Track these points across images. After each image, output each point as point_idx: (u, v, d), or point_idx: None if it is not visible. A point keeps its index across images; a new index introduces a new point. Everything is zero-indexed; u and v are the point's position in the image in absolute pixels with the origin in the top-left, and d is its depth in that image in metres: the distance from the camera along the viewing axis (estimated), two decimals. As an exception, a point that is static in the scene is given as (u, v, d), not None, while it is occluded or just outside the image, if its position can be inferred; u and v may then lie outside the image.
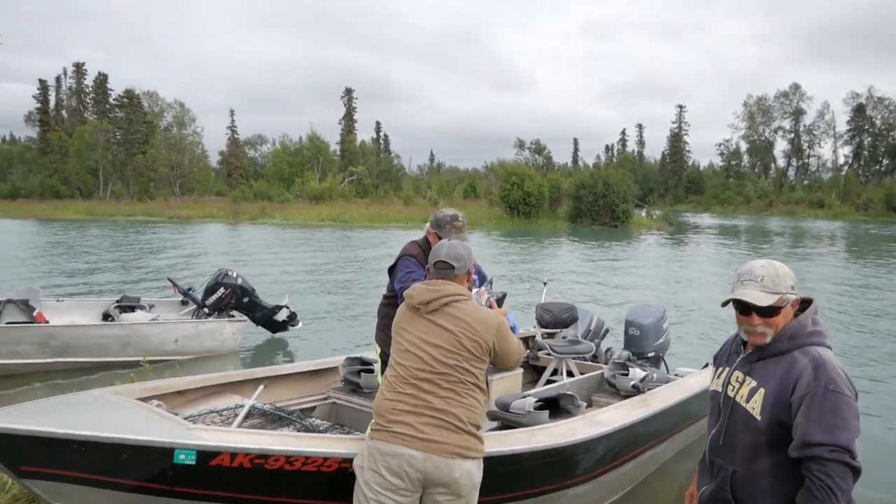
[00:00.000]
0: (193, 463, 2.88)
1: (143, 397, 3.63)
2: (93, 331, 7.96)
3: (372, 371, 5.09)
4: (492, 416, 4.57)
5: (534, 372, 6.78)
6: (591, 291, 15.67)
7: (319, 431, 3.87)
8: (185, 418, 3.91)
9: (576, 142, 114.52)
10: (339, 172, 70.19)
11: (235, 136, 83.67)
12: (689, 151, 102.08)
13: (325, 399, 5.20)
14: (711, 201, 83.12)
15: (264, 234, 33.58)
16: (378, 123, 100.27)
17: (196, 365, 8.05)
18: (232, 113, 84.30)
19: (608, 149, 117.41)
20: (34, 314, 7.85)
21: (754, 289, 2.26)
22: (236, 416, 4.02)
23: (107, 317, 8.93)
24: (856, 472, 2.07)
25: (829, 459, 2.03)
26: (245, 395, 4.54)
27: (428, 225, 4.36)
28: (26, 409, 3.03)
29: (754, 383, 2.27)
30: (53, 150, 67.31)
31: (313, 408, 5.07)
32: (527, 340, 7.06)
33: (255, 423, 4.01)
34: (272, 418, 4.13)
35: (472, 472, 2.82)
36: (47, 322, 7.97)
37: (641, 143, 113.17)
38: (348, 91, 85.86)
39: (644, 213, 50.53)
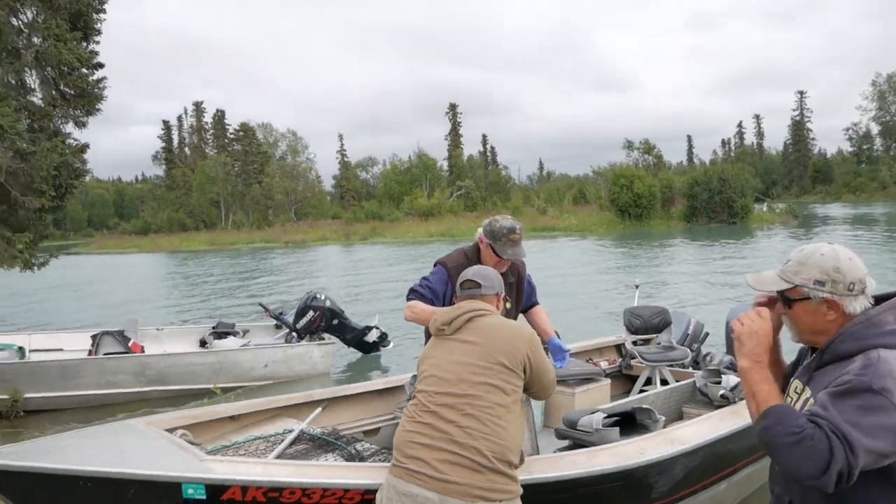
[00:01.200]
0: (204, 498, 2.71)
1: (177, 426, 3.53)
2: (185, 358, 8.15)
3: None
4: (559, 435, 4.22)
5: (626, 382, 6.32)
6: (703, 291, 14.76)
7: (362, 458, 3.64)
8: (229, 446, 3.81)
9: (689, 139, 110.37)
10: (447, 188, 70.79)
11: (345, 159, 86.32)
12: (813, 139, 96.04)
13: (392, 419, 4.98)
14: (842, 190, 77.55)
15: (373, 254, 34.18)
16: (484, 136, 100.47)
17: (282, 388, 8.07)
18: (341, 137, 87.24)
19: (725, 143, 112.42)
20: (130, 344, 8.14)
21: (773, 271, 1.92)
22: (282, 441, 3.87)
23: (203, 343, 9.16)
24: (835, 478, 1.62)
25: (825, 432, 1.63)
26: (304, 418, 4.39)
27: (480, 231, 4.00)
28: (45, 443, 2.98)
29: (808, 394, 1.84)
30: (178, 186, 72.11)
31: (378, 429, 4.86)
32: (618, 348, 6.62)
33: (300, 450, 3.84)
34: (319, 444, 3.94)
35: None
36: (143, 351, 8.25)
37: (760, 134, 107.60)
38: (452, 107, 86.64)
39: (765, 208, 47.70)
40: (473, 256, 3.89)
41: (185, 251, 46.16)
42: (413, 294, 3.88)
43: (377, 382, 5.25)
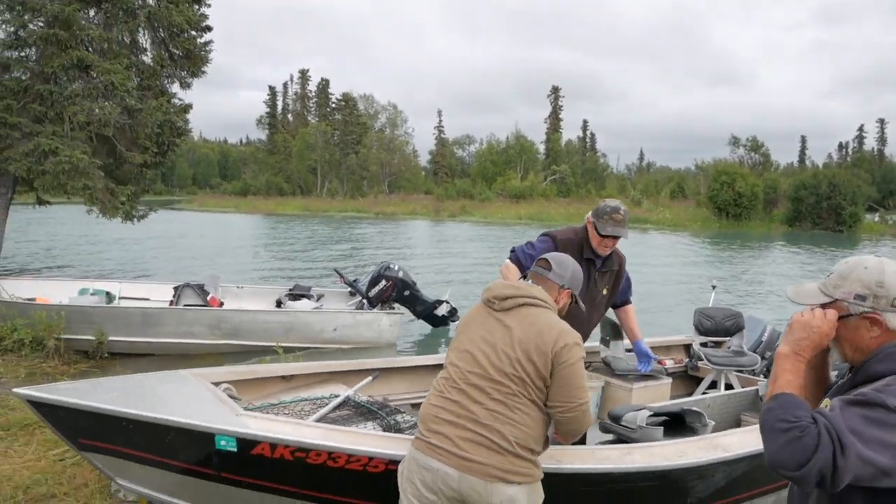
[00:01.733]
0: (235, 450, 2.81)
1: (223, 381, 3.66)
2: (259, 316, 8.45)
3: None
4: (603, 428, 4.14)
5: (691, 383, 6.14)
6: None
7: (399, 430, 3.68)
8: (276, 404, 3.93)
9: (803, 139, 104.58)
10: (542, 171, 70.09)
11: (442, 135, 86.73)
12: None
13: (442, 395, 5.01)
14: (969, 204, 71.87)
15: (460, 232, 34.32)
16: (585, 122, 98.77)
17: (350, 354, 8.26)
18: (440, 113, 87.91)
19: (842, 147, 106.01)
20: (208, 298, 8.50)
21: (815, 284, 1.82)
22: (327, 404, 3.96)
23: (279, 304, 9.47)
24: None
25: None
26: (351, 385, 4.48)
27: (589, 213, 4.02)
28: (100, 384, 3.15)
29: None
30: (279, 151, 74.49)
31: (426, 404, 4.90)
32: (686, 348, 6.43)
33: (343, 415, 3.92)
34: (362, 411, 4.01)
35: (515, 499, 2.42)
36: (221, 306, 8.60)
37: (882, 140, 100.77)
38: (555, 89, 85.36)
39: (877, 218, 44.80)
40: (582, 234, 3.95)
41: (280, 214, 47.70)
42: (513, 253, 3.99)
43: (430, 357, 5.28)
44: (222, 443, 2.80)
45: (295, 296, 9.50)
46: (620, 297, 4.28)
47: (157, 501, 3.17)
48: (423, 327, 10.07)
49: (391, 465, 2.86)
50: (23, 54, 13.88)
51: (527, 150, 74.47)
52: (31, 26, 13.72)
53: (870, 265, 1.74)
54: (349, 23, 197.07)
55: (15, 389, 2.89)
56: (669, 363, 5.96)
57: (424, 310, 9.72)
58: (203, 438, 2.81)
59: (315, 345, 8.52)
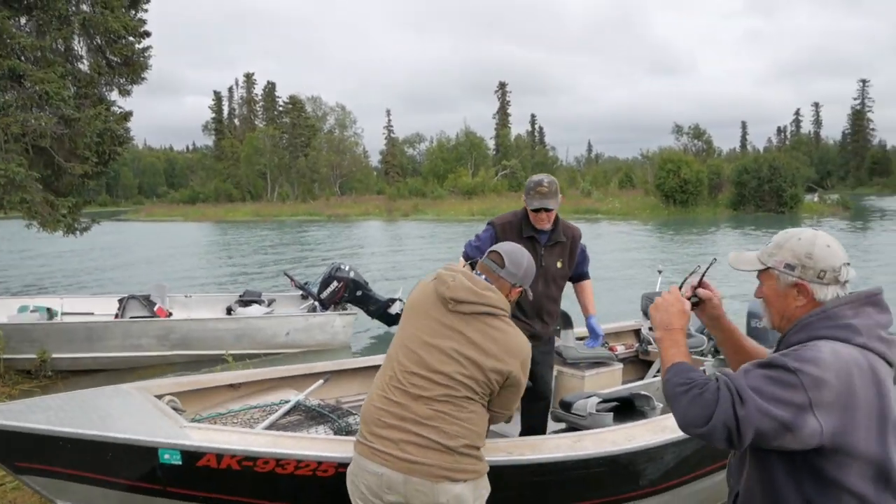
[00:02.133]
0: (179, 463, 2.75)
1: (168, 393, 3.58)
2: (208, 324, 8.31)
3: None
4: (555, 417, 4.18)
5: (642, 368, 6.23)
6: (738, 282, 14.40)
7: (350, 433, 3.65)
8: (224, 413, 3.86)
9: (744, 125, 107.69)
10: (492, 167, 70.44)
11: (392, 135, 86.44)
12: (873, 130, 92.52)
13: (398, 395, 4.99)
14: (900, 183, 74.79)
15: (413, 230, 34.30)
16: (533, 116, 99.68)
17: (302, 358, 8.17)
18: (388, 113, 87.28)
19: (780, 131, 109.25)
20: (155, 309, 8.32)
21: (754, 253, 1.92)
22: (276, 411, 3.90)
23: (230, 311, 9.32)
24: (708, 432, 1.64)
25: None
26: (302, 389, 4.43)
27: None
28: (36, 403, 3.05)
29: None
30: (227, 157, 73.24)
31: (381, 404, 4.87)
32: (637, 333, 6.52)
33: (293, 421, 3.87)
34: (313, 416, 3.97)
35: (462, 497, 2.40)
36: (169, 316, 8.43)
37: (818, 123, 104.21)
38: (502, 85, 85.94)
39: (816, 198, 46.27)
40: (521, 214, 3.93)
41: (230, 221, 46.96)
42: (464, 251, 4.02)
43: (380, 357, 5.24)
44: (166, 456, 2.74)
45: (245, 302, 9.36)
46: (576, 271, 4.19)
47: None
48: (377, 326, 10.02)
49: (341, 468, 2.82)
50: (-54, 65, 13.37)
51: (477, 146, 74.71)
52: (-44, 37, 13.22)
53: (803, 237, 1.80)
54: (293, 24, 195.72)
55: (-57, 414, 2.77)
56: (620, 349, 6.04)
57: (378, 309, 9.67)
58: (146, 453, 2.74)
59: (268, 350, 8.42)
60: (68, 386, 7.01)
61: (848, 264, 1.77)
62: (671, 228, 30.97)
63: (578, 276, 4.28)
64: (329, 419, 3.89)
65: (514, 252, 2.71)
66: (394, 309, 9.71)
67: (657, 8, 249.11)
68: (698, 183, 41.87)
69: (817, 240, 1.79)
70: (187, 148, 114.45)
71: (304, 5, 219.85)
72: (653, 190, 45.38)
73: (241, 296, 9.57)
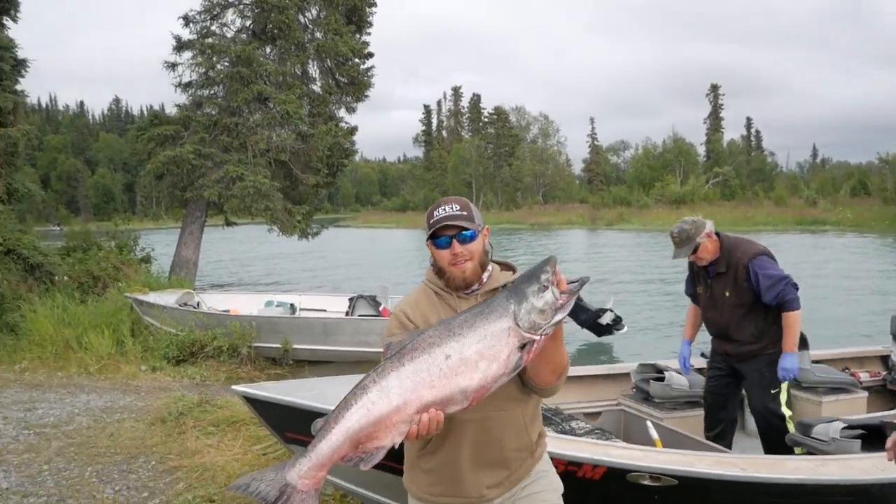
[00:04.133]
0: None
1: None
2: (428, 326, 8.77)
3: (663, 379, 4.76)
4: (791, 441, 3.95)
5: (891, 399, 5.65)
6: None
7: (575, 435, 3.72)
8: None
9: None
10: (703, 174, 67.03)
11: (596, 143, 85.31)
12: None
13: (616, 405, 5.00)
14: None
15: (618, 240, 33.60)
16: (748, 119, 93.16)
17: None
18: (592, 121, 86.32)
19: None
20: (380, 308, 8.95)
21: None
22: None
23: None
24: None
25: None
26: (525, 392, 4.58)
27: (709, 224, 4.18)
28: (303, 384, 3.46)
29: None
30: (435, 167, 76.79)
31: (599, 413, 4.91)
32: (884, 360, 5.93)
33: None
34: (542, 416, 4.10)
35: None
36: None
37: None
38: (714, 88, 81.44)
39: None
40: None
41: (438, 228, 48.88)
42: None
43: (602, 367, 5.27)
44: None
45: (462, 307, 9.75)
46: (764, 299, 3.99)
47: (352, 493, 3.43)
48: (587, 336, 9.98)
49: (570, 466, 2.92)
50: (212, 92, 15.41)
51: (686, 152, 71.47)
52: (218, 66, 15.18)
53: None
54: (493, 40, 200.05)
55: (233, 387, 3.25)
56: (864, 376, 5.51)
57: (587, 318, 9.63)
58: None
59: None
60: (311, 373, 7.76)
61: None
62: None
63: (773, 306, 4.02)
64: (553, 421, 3.99)
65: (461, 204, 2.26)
66: (604, 319, 9.61)
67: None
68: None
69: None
70: (398, 159, 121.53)
71: (502, 20, 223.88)
72: (893, 198, 40.63)
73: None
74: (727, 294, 4.08)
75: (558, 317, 1.73)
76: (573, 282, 1.77)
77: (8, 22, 12.04)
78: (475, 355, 1.72)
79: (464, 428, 2.05)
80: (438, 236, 2.05)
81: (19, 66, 11.68)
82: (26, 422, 5.35)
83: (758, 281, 3.97)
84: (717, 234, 4.13)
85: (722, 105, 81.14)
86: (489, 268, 2.12)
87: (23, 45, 11.73)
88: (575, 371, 5.05)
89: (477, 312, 1.76)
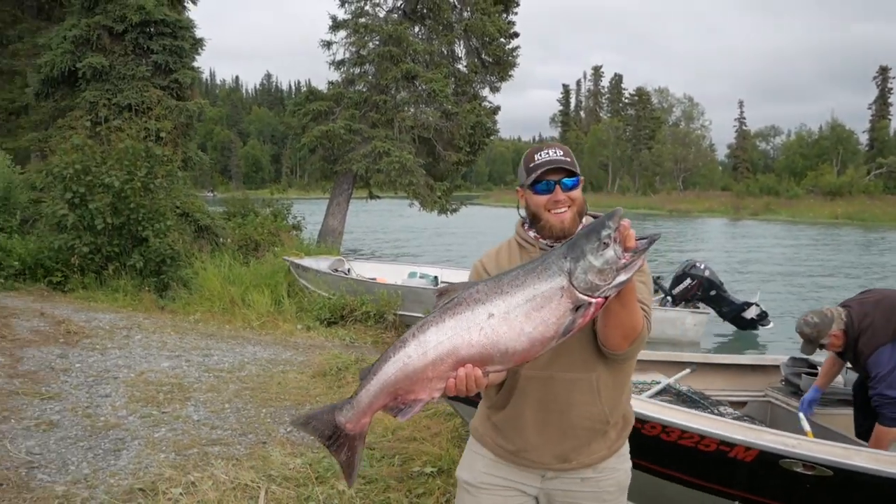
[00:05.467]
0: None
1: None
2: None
3: (815, 374, 4.67)
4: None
5: None
6: None
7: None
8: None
9: None
10: (864, 164, 62.14)
11: (744, 128, 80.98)
12: None
13: (762, 396, 4.95)
14: None
15: (764, 231, 31.96)
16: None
17: (651, 349, 8.33)
18: (741, 104, 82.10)
19: None
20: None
21: None
22: (649, 389, 4.18)
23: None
24: None
25: None
26: (669, 375, 4.64)
27: None
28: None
29: None
30: (571, 148, 75.70)
31: (744, 402, 4.88)
32: None
33: (665, 401, 4.10)
34: (683, 399, 4.16)
35: None
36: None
37: None
38: (883, 70, 74.87)
39: None
40: None
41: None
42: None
43: (750, 357, 5.22)
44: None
45: (596, 288, 9.79)
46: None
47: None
48: (729, 329, 9.74)
49: (723, 445, 3.00)
50: (363, 70, 16.10)
51: (845, 140, 66.47)
52: (370, 45, 15.83)
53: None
54: (639, 17, 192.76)
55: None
56: None
57: (731, 311, 9.41)
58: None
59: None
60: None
61: None
62: None
63: None
64: (701, 405, 4.05)
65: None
66: (749, 313, 9.37)
67: None
68: None
69: None
70: (533, 139, 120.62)
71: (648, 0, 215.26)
72: None
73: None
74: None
75: (621, 278, 1.56)
76: (642, 238, 1.59)
77: (188, 4, 13.15)
78: (521, 316, 1.59)
79: (527, 385, 1.94)
80: (539, 181, 1.90)
81: (197, 44, 12.74)
82: (206, 366, 6.00)
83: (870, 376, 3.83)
84: (848, 312, 3.87)
85: (891, 89, 74.57)
86: (583, 220, 1.97)
87: (200, 25, 12.80)
88: (720, 359, 5.06)
89: (529, 269, 1.62)
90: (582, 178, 1.95)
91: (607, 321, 1.74)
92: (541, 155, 1.92)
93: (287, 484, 3.57)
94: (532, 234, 1.99)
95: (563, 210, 1.90)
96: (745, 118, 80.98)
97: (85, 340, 6.61)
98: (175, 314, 8.57)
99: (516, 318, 1.59)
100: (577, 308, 1.57)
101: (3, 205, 10.94)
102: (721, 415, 3.92)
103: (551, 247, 1.89)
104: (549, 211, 1.90)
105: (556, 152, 1.92)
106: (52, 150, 11.11)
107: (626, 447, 2.07)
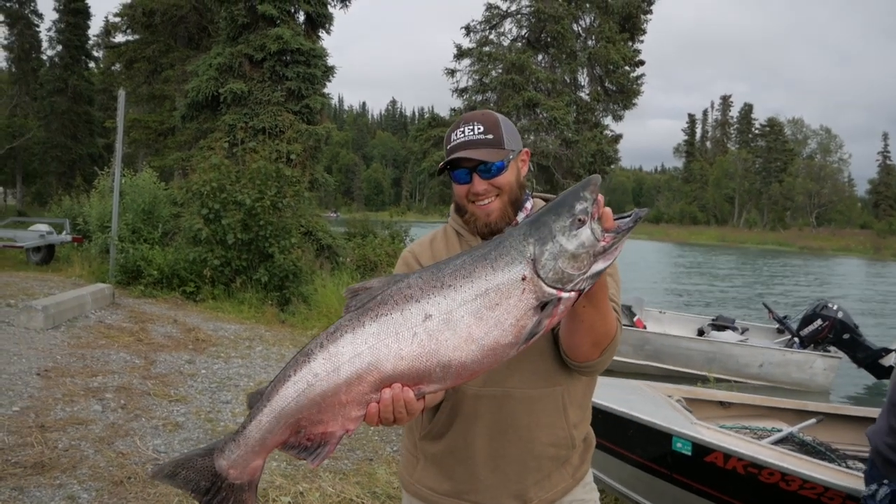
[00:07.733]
0: (689, 454, 3.06)
1: (674, 395, 3.93)
2: (682, 342, 8.58)
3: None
4: None
5: None
6: None
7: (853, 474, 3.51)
8: (717, 428, 4.07)
9: None
10: None
11: (888, 162, 75.52)
12: None
13: (899, 452, 4.57)
14: None
15: (907, 273, 29.60)
16: None
17: (775, 394, 7.88)
18: (885, 137, 76.45)
19: None
20: (634, 319, 8.91)
21: None
22: (768, 436, 3.96)
23: (701, 332, 9.47)
24: None
25: None
26: (795, 424, 4.38)
27: None
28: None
29: None
30: (695, 179, 73.53)
31: (877, 457, 4.53)
32: None
33: (787, 450, 3.88)
34: (808, 450, 3.91)
35: None
36: (645, 328, 8.95)
37: None
38: None
39: None
40: None
41: (693, 244, 46.85)
42: None
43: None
44: (678, 445, 3.07)
45: (718, 326, 9.39)
46: None
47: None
48: (864, 376, 9.06)
49: (849, 500, 2.81)
50: (485, 97, 16.38)
51: None
52: (493, 73, 16.09)
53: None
54: (762, 45, 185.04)
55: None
56: None
57: (867, 357, 8.72)
58: (662, 437, 3.11)
59: (737, 379, 8.33)
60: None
61: None
62: None
63: None
64: (827, 457, 3.79)
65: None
66: (887, 360, 8.65)
67: None
68: None
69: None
70: (655, 169, 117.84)
71: (771, 25, 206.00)
72: None
73: (713, 319, 9.63)
74: None
75: (598, 266, 1.19)
76: (624, 216, 1.24)
77: (322, 33, 13.85)
78: (468, 317, 1.20)
79: (476, 407, 1.55)
80: (455, 167, 1.54)
81: (328, 72, 13.39)
82: (320, 379, 6.23)
83: None
84: None
85: None
86: (528, 205, 1.59)
87: (331, 53, 13.47)
88: (852, 411, 4.70)
89: (479, 255, 1.22)
90: (515, 155, 1.56)
91: (575, 325, 1.37)
92: (456, 134, 1.55)
93: (390, 502, 3.64)
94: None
95: (486, 202, 1.54)
96: (889, 151, 75.65)
97: (211, 348, 7.04)
98: (294, 328, 8.94)
99: (462, 320, 1.20)
100: (542, 305, 1.18)
101: (148, 218, 11.86)
102: (849, 468, 3.66)
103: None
104: (472, 203, 1.57)
105: (473, 129, 1.54)
106: (192, 168, 11.96)
107: (591, 474, 1.70)
